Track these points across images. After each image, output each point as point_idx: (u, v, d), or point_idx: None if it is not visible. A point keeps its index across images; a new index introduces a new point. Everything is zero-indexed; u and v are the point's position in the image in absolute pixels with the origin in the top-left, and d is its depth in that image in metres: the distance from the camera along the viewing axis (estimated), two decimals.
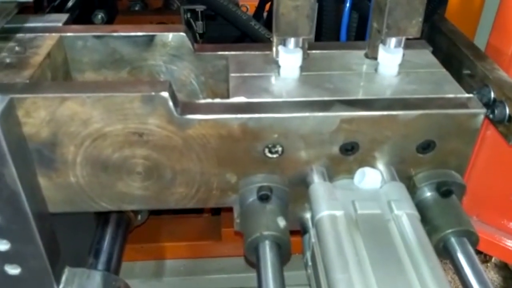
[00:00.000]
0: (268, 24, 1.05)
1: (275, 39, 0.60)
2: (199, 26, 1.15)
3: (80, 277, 0.61)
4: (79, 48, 0.62)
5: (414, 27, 0.55)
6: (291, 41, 0.57)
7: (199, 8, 1.16)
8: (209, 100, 0.54)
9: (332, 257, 0.45)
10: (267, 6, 1.21)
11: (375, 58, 0.61)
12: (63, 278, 0.60)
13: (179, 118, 0.51)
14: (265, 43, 0.95)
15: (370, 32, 0.62)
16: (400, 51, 0.58)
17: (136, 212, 0.83)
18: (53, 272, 0.57)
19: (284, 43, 0.58)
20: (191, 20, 1.20)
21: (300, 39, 0.57)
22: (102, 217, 0.76)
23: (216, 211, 1.24)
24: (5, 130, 0.46)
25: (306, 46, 0.61)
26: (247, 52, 0.64)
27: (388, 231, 0.48)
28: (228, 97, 0.65)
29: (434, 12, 0.80)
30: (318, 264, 0.48)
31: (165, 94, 0.49)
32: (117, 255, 0.72)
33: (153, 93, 0.49)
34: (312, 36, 0.58)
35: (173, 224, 1.19)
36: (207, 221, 1.23)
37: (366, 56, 0.63)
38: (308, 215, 0.60)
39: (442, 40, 0.77)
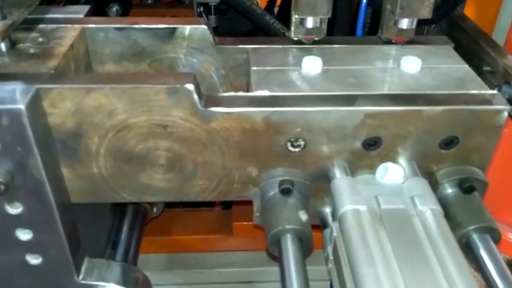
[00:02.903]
0: (280, 18, 1.05)
1: (293, 19, 0.62)
2: (211, 20, 1.16)
3: (100, 268, 0.61)
4: (100, 40, 0.62)
5: (426, 8, 0.58)
6: (310, 21, 0.60)
7: (212, 2, 1.16)
8: (232, 93, 0.54)
9: (357, 251, 0.45)
10: (279, 0, 1.21)
11: (390, 41, 0.63)
12: (83, 269, 0.60)
13: (203, 110, 0.51)
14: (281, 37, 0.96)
15: (383, 13, 0.64)
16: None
17: (152, 204, 0.83)
18: (73, 262, 0.57)
19: (302, 22, 0.60)
20: (204, 14, 1.20)
21: (318, 19, 0.60)
22: (119, 209, 0.77)
23: (227, 205, 1.25)
24: (32, 120, 0.46)
25: (324, 26, 0.62)
26: (267, 46, 0.64)
27: (413, 226, 0.48)
28: (248, 90, 0.65)
29: (453, 8, 0.79)
30: (341, 258, 0.48)
31: (190, 86, 0.49)
32: (134, 247, 0.72)
33: (178, 86, 0.49)
34: (329, 15, 0.60)
35: (185, 217, 1.20)
36: (218, 215, 1.23)
37: (379, 38, 0.65)
38: (327, 210, 0.60)
39: (462, 36, 0.76)
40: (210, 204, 1.27)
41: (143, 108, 0.50)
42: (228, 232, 1.17)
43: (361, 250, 0.45)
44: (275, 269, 1.22)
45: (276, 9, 1.22)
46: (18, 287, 0.60)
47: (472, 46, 0.74)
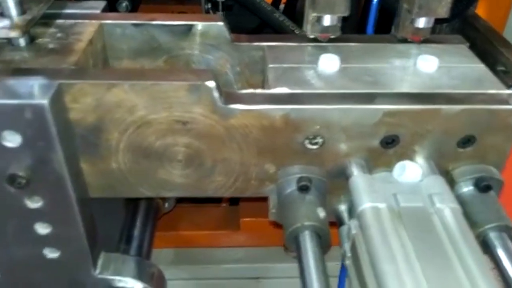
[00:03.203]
0: (286, 15, 1.05)
1: (310, 17, 0.61)
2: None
3: (116, 262, 0.61)
4: (118, 36, 0.62)
5: (443, 8, 0.59)
6: (327, 19, 0.60)
7: None
8: (251, 90, 0.54)
9: (378, 249, 0.45)
10: None
11: (405, 39, 0.63)
12: (99, 263, 0.60)
13: (223, 107, 0.51)
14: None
15: (399, 12, 0.64)
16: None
17: (164, 200, 0.84)
18: (91, 257, 0.58)
19: (319, 20, 0.60)
20: (211, 11, 1.20)
21: (336, 17, 0.60)
22: (132, 204, 0.77)
23: (234, 201, 1.25)
24: (54, 115, 0.46)
25: (340, 24, 0.63)
26: (283, 44, 0.64)
27: (432, 225, 0.48)
28: (263, 88, 0.66)
29: (467, 7, 0.79)
30: (361, 255, 0.49)
31: (211, 83, 0.50)
32: (147, 242, 0.73)
33: (199, 82, 0.49)
34: (348, 13, 0.61)
35: (192, 213, 1.20)
36: (225, 211, 1.24)
37: (394, 36, 0.65)
38: (343, 207, 0.60)
39: (475, 36, 0.77)
40: (217, 200, 1.27)
41: (163, 105, 0.50)
42: (235, 228, 1.17)
43: (382, 247, 0.45)
44: (282, 265, 1.23)
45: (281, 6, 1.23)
46: (35, 282, 0.60)
47: (486, 46, 0.74)
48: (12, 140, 0.47)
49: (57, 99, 0.47)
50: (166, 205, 0.85)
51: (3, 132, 0.47)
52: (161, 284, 0.65)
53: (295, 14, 1.14)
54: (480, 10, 0.85)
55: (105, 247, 0.63)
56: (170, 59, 0.65)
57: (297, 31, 0.99)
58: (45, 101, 0.45)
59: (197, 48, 0.64)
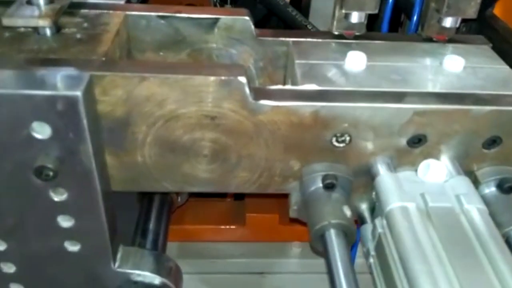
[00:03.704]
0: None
1: (338, 13, 0.62)
2: None
3: (134, 256, 0.61)
4: (142, 28, 0.62)
5: (472, 8, 0.60)
6: (355, 16, 0.60)
7: None
8: (280, 87, 0.54)
9: (409, 248, 0.45)
10: None
11: (430, 38, 0.63)
12: (118, 257, 0.60)
13: (253, 103, 0.51)
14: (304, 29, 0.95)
15: (425, 11, 0.64)
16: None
17: (178, 194, 0.83)
18: (112, 250, 0.57)
19: (347, 17, 0.61)
20: (218, 4, 1.19)
21: (363, 14, 0.61)
22: (147, 198, 0.77)
23: (239, 196, 1.25)
24: (86, 107, 0.46)
25: (366, 22, 0.63)
26: (308, 39, 0.63)
27: (461, 225, 0.48)
28: (284, 84, 0.65)
29: (486, 8, 0.79)
30: (389, 254, 0.49)
31: (242, 79, 0.49)
32: (163, 235, 0.72)
33: (231, 78, 0.49)
34: (376, 11, 0.61)
35: (198, 207, 1.20)
36: (231, 206, 1.23)
37: (419, 35, 0.65)
38: (364, 206, 0.60)
39: (494, 36, 0.76)
40: (222, 195, 1.27)
41: (194, 99, 0.50)
42: (240, 223, 1.17)
43: (413, 247, 0.45)
44: (286, 260, 1.23)
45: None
46: (53, 275, 0.60)
47: (504, 46, 0.74)
48: (42, 131, 0.46)
49: (89, 91, 0.46)
50: (179, 199, 0.85)
51: (33, 123, 0.46)
52: (178, 278, 0.65)
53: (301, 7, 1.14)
54: (497, 10, 0.85)
55: (122, 241, 0.62)
56: (194, 52, 0.64)
57: (309, 27, 0.99)
58: (78, 93, 0.44)
59: (221, 42, 0.64)
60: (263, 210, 1.16)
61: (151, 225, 0.72)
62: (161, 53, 0.64)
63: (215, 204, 1.23)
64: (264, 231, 1.18)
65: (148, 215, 0.74)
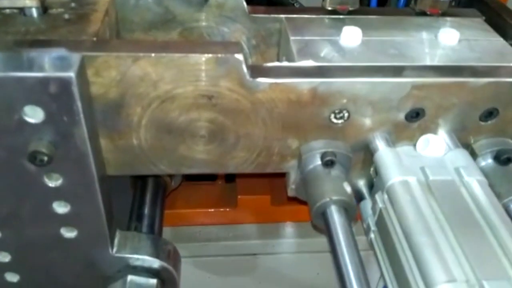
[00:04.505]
0: None
1: None
2: None
3: (132, 241, 0.60)
4: (130, 7, 0.60)
5: None
6: None
7: None
8: (277, 63, 0.53)
9: (413, 221, 0.45)
10: None
11: (423, 12, 0.63)
12: (116, 241, 0.59)
13: (251, 81, 0.50)
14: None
15: None
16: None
17: (171, 177, 0.82)
18: (109, 235, 0.56)
19: None
20: None
21: None
22: (140, 182, 0.76)
23: (230, 179, 1.24)
24: (79, 88, 0.44)
25: None
26: (302, 16, 0.62)
27: (462, 197, 0.48)
28: (278, 61, 0.64)
29: None
30: (391, 228, 0.49)
31: (239, 56, 0.48)
32: (158, 219, 0.71)
33: (228, 55, 0.48)
34: None
35: (189, 191, 1.19)
36: (222, 189, 1.23)
37: (412, 9, 0.64)
38: (362, 182, 0.60)
39: (484, 9, 0.76)
40: (213, 178, 1.26)
41: (190, 78, 0.49)
42: (232, 205, 1.17)
43: (417, 220, 0.45)
44: (279, 241, 1.24)
45: None
46: (50, 262, 0.59)
47: (495, 20, 0.74)
48: (34, 115, 0.45)
49: (81, 72, 0.45)
50: (173, 182, 0.84)
51: (25, 107, 0.44)
52: (177, 261, 0.64)
53: None
54: None
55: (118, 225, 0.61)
56: (185, 31, 0.62)
57: (296, 5, 0.98)
58: (71, 74, 0.42)
59: (213, 20, 0.62)
60: (254, 192, 1.16)
61: (146, 210, 0.71)
62: (151, 33, 0.62)
63: (206, 187, 1.22)
64: (256, 213, 1.18)
65: (143, 199, 0.73)
